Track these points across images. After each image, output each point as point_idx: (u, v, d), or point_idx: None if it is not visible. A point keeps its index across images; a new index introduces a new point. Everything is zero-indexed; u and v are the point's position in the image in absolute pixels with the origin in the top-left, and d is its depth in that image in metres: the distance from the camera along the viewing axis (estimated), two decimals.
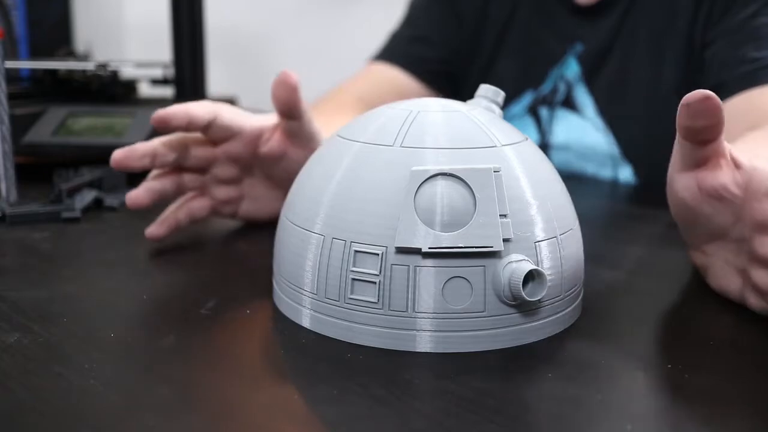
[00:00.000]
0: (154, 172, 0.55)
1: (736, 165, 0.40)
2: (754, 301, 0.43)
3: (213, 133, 0.55)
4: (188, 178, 0.56)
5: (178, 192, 0.56)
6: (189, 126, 0.53)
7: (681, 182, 0.42)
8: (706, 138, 0.39)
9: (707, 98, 0.37)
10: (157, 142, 0.54)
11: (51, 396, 0.33)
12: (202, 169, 0.57)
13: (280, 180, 0.58)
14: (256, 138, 0.56)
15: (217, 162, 0.57)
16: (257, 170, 0.59)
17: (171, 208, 0.56)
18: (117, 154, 0.52)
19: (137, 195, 0.53)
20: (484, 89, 0.46)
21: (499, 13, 0.90)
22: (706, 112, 0.37)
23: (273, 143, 0.56)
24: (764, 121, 0.62)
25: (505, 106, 0.56)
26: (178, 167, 0.56)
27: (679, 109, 0.38)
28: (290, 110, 0.54)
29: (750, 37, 0.71)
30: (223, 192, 0.58)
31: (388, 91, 0.87)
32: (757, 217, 0.39)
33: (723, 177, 0.40)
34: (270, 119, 0.57)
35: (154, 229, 0.55)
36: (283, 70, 0.53)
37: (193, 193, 0.57)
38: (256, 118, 0.57)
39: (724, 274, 0.45)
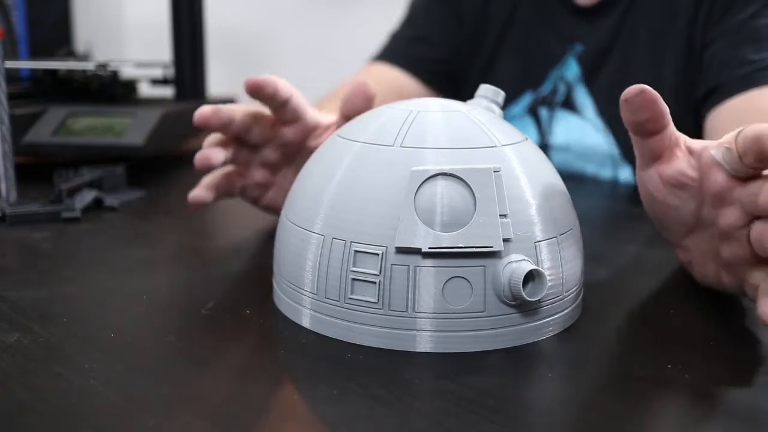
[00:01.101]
0: (215, 137, 0.57)
1: (690, 152, 0.42)
2: (726, 279, 0.43)
3: (284, 112, 0.56)
4: (240, 152, 0.58)
5: (229, 161, 0.58)
6: (273, 98, 0.54)
7: (645, 178, 0.44)
8: (651, 129, 0.41)
9: (642, 92, 0.39)
10: (236, 109, 0.55)
11: (51, 396, 0.33)
12: (255, 147, 0.58)
13: None
14: (311, 130, 0.58)
15: (269, 144, 0.58)
16: (296, 163, 0.59)
17: (211, 176, 0.58)
18: (204, 110, 0.53)
19: (210, 154, 0.54)
20: (484, 89, 0.46)
21: (499, 14, 0.90)
22: (644, 105, 0.39)
23: (323, 140, 0.57)
24: (764, 122, 0.62)
25: (505, 106, 0.56)
26: (237, 139, 0.57)
27: (620, 105, 0.40)
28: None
29: (749, 38, 0.71)
30: (260, 175, 0.59)
31: (388, 91, 0.87)
32: (712, 190, 0.41)
33: (679, 164, 0.42)
34: (328, 117, 0.58)
35: (200, 192, 0.56)
36: (360, 81, 0.54)
37: (230, 168, 0.59)
38: (317, 113, 0.58)
39: (703, 263, 0.46)
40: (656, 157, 0.42)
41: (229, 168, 0.59)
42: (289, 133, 0.57)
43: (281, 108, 0.55)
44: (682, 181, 0.42)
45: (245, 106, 0.57)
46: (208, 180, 0.57)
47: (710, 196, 0.41)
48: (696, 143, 0.42)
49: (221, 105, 0.55)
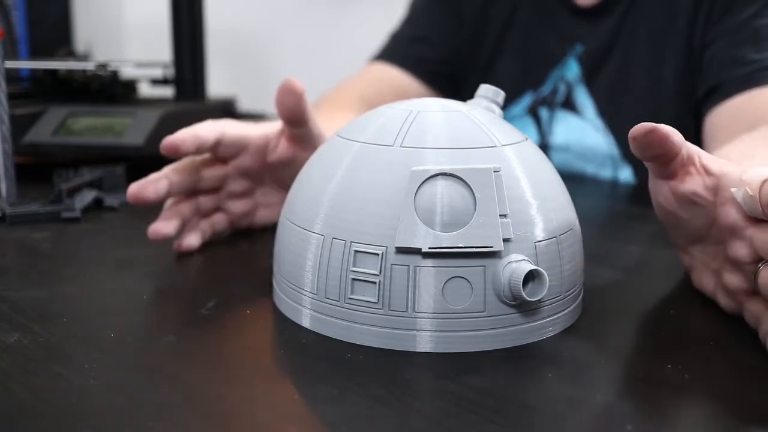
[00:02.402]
0: (169, 201, 0.54)
1: (707, 171, 0.41)
2: (723, 301, 0.44)
3: (222, 151, 0.55)
4: (203, 200, 0.56)
5: (196, 215, 0.55)
6: (198, 149, 0.52)
7: (656, 188, 0.43)
8: (664, 160, 0.40)
9: (651, 131, 0.38)
10: (168, 170, 0.53)
11: (51, 396, 0.33)
12: (216, 189, 0.57)
13: (291, 184, 0.58)
14: (264, 148, 0.56)
15: (229, 178, 0.57)
16: (268, 178, 0.59)
17: (196, 222, 0.55)
18: (132, 189, 0.51)
19: (160, 227, 0.52)
20: (484, 89, 0.46)
21: (499, 14, 0.90)
22: (653, 144, 0.38)
23: (281, 150, 0.56)
24: (764, 122, 0.62)
25: (505, 106, 0.56)
26: (192, 192, 0.55)
27: (629, 141, 0.39)
28: (296, 118, 0.53)
29: (750, 38, 0.71)
30: (238, 206, 0.58)
31: (389, 91, 0.88)
32: (725, 222, 0.40)
33: (693, 184, 0.41)
34: (274, 126, 0.57)
35: (188, 242, 0.54)
36: (286, 77, 0.52)
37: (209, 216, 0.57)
38: (261, 128, 0.57)
39: (703, 275, 0.46)
40: (670, 176, 0.41)
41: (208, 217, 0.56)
42: (243, 161, 0.56)
43: (217, 149, 0.54)
44: (694, 200, 0.41)
45: (179, 162, 0.54)
46: (193, 227, 0.55)
47: (722, 226, 0.40)
48: (713, 163, 0.41)
49: (152, 176, 0.52)
